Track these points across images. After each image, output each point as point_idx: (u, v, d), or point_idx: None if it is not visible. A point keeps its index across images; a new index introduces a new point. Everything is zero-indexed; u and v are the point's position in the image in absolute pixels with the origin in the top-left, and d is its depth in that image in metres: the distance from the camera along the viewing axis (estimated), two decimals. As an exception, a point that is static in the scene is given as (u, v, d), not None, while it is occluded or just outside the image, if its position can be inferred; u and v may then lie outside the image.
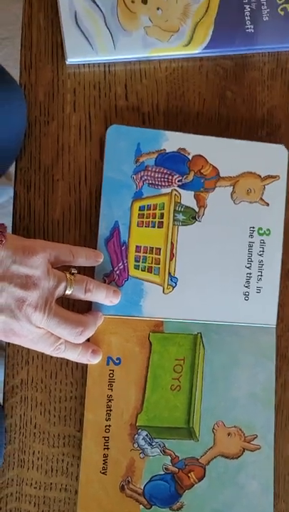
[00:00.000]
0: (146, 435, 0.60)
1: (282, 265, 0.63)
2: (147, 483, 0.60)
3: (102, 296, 0.59)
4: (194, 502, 0.61)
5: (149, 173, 0.61)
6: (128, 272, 0.61)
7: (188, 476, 0.61)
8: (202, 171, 0.62)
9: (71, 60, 0.62)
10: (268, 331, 0.63)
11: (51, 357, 0.60)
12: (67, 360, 0.60)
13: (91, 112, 0.63)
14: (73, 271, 0.57)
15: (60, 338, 0.57)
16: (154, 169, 0.62)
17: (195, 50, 0.63)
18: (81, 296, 0.58)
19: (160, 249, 0.62)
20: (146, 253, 0.62)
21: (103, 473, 0.59)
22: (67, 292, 0.56)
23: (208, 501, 0.61)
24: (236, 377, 0.62)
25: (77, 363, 0.60)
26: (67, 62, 0.62)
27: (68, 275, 0.57)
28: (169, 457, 0.60)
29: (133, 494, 0.60)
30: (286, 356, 0.64)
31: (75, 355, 0.58)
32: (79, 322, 0.57)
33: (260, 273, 0.63)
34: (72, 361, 0.60)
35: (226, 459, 0.61)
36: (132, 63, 0.63)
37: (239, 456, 0.62)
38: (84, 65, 0.63)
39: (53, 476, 0.60)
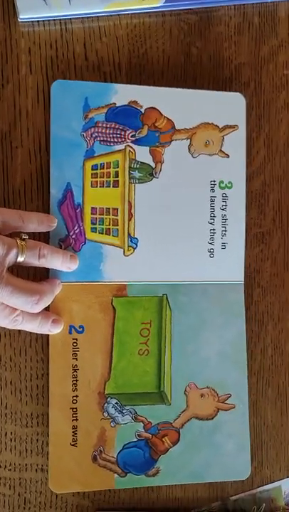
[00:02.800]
0: (116, 403, 0.53)
1: (246, 219, 0.56)
2: (120, 451, 0.53)
3: (57, 261, 0.51)
4: (170, 466, 0.54)
5: (99, 130, 0.53)
6: (85, 235, 0.53)
7: (163, 441, 0.54)
8: (156, 125, 0.54)
9: (23, 16, 0.53)
10: (236, 288, 0.56)
11: (19, 333, 0.52)
12: (37, 335, 0.53)
13: (48, 73, 0.54)
14: (24, 236, 0.49)
15: (16, 310, 0.49)
16: (104, 125, 0.53)
17: (156, 3, 0.54)
18: (35, 262, 0.50)
19: (117, 209, 0.54)
20: (102, 214, 0.53)
21: (73, 445, 0.52)
22: (19, 259, 0.48)
23: (184, 464, 0.54)
24: (205, 337, 0.55)
25: (47, 339, 0.53)
26: (19, 19, 0.53)
27: (19, 241, 0.48)
28: (141, 424, 0.54)
29: (106, 464, 0.53)
30: (264, 322, 0.57)
31: (34, 326, 0.51)
32: (34, 290, 0.49)
33: (224, 228, 0.55)
34: (42, 337, 0.52)
35: (200, 420, 0.54)
36: (90, 20, 0.54)
37: (214, 417, 0.55)
38: (38, 22, 0.54)
39: (28, 456, 0.53)
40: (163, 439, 0.54)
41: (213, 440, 0.55)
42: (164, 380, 0.54)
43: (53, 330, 0.52)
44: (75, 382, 0.53)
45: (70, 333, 0.53)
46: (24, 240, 0.49)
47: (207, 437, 0.55)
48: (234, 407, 0.55)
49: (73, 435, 0.52)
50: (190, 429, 0.54)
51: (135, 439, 0.53)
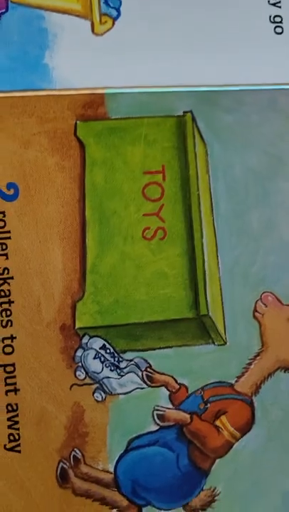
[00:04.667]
0: (104, 347, 0.23)
1: None
2: (123, 455, 0.22)
3: None
4: (239, 482, 0.23)
5: None
6: (6, -8, 0.24)
7: (217, 427, 0.23)
8: None
9: None
10: None
11: None
12: None
13: None
14: None
15: None
16: None
17: None
18: None
19: None
20: None
21: (12, 449, 0.22)
22: None
23: (269, 476, 0.23)
24: (286, 194, 0.25)
25: None
26: None
27: None
28: (163, 391, 0.23)
29: (91, 487, 0.22)
30: None
31: None
32: None
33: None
34: None
35: (296, 374, 0.24)
36: None
37: None
38: None
39: None
40: (217, 423, 0.23)
41: None
42: (207, 292, 0.23)
43: None
44: (6, 306, 0.23)
45: (-12, 200, 0.23)
46: None
47: (315, 412, 0.24)
48: None
49: (11, 427, 0.22)
50: (276, 397, 0.23)
51: (154, 428, 0.23)
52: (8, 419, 0.22)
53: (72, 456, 0.22)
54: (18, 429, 0.22)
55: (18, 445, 0.22)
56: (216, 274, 0.24)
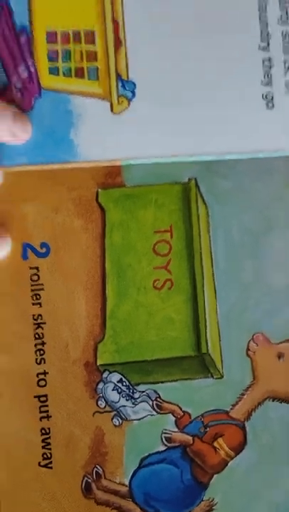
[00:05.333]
0: (121, 380, 0.27)
1: None
2: (136, 472, 0.27)
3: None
4: (234, 496, 0.27)
5: None
6: (39, 81, 0.28)
7: (215, 448, 0.27)
8: None
9: None
10: None
11: None
12: None
13: None
14: None
15: None
16: None
17: None
18: None
19: (94, 32, 0.29)
20: (67, 43, 0.28)
21: (45, 465, 0.27)
22: None
23: (259, 490, 0.27)
24: (277, 250, 0.29)
25: None
26: None
27: None
28: (170, 417, 0.27)
29: (110, 498, 0.27)
30: None
31: None
32: None
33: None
34: None
35: (283, 403, 0.28)
36: None
37: (306, 395, 0.28)
38: None
39: None
40: (215, 444, 0.27)
41: (309, 440, 0.28)
42: (207, 334, 0.28)
43: (-10, 252, 0.27)
44: (40, 346, 0.27)
45: (25, 257, 0.28)
46: None
47: (298, 435, 0.28)
48: None
49: (44, 447, 0.27)
50: (265, 422, 0.28)
51: (162, 448, 0.27)
52: (42, 441, 0.27)
53: (94, 472, 0.27)
54: (50, 449, 0.27)
55: (50, 462, 0.26)
56: (214, 319, 0.28)
